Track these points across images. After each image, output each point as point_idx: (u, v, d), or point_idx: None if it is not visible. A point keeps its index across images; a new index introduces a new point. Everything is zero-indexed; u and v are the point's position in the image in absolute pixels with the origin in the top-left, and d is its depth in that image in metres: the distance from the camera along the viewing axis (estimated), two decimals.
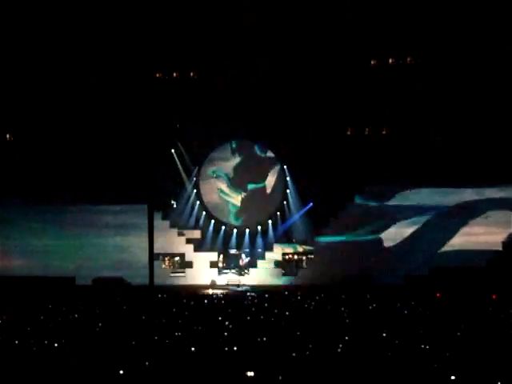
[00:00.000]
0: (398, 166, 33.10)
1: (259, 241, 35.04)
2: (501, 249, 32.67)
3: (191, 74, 33.07)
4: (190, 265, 33.90)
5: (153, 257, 32.46)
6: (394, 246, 33.58)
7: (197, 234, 34.73)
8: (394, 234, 33.64)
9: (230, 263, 34.64)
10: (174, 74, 33.05)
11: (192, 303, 24.79)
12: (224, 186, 35.45)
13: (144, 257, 32.27)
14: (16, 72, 31.57)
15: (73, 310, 22.70)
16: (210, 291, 30.72)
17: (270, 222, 35.16)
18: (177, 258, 34.19)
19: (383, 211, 33.75)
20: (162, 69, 32.89)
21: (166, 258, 34.08)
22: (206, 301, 25.66)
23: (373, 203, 33.92)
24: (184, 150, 34.85)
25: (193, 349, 14.93)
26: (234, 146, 35.26)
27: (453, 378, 12.17)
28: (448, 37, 30.48)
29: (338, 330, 17.70)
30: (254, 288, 31.72)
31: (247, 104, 33.12)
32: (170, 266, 34.10)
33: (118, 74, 32.04)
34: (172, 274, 33.74)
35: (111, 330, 18.09)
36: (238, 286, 32.71)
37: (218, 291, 30.58)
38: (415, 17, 30.32)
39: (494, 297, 27.61)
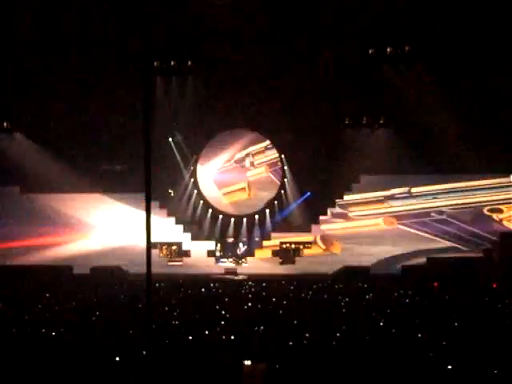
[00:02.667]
0: (395, 156, 33.08)
1: (256, 230, 35.06)
2: (497, 239, 32.72)
3: (188, 63, 32.97)
4: (187, 254, 34.03)
5: (150, 245, 32.43)
6: None
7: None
8: None
9: (228, 252, 34.69)
10: (172, 63, 32.96)
11: (189, 292, 24.82)
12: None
13: (141, 245, 32.32)
14: (12, 56, 31.41)
15: (70, 298, 22.71)
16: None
17: (267, 211, 35.17)
18: (174, 247, 34.26)
19: None
20: (160, 58, 32.79)
21: (164, 247, 34.13)
22: (203, 289, 25.69)
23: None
24: (182, 138, 34.80)
25: (190, 338, 14.95)
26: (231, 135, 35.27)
27: (449, 367, 12.19)
28: (447, 26, 30.38)
29: (335, 319, 17.72)
30: (251, 277, 31.76)
31: (245, 93, 33.04)
32: (167, 254, 34.15)
33: (115, 62, 31.92)
34: (169, 263, 33.81)
35: (108, 318, 18.10)
36: (236, 274, 32.79)
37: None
38: (414, 5, 30.21)
39: (494, 285, 27.69)
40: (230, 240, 34.93)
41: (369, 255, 33.23)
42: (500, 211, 33.47)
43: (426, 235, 33.56)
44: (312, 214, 34.62)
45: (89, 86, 32.41)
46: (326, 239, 34.16)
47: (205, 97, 33.40)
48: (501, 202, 33.45)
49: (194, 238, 34.51)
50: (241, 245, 34.69)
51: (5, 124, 33.53)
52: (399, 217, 33.93)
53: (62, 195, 33.68)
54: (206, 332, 15.64)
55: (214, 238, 34.86)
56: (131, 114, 31.61)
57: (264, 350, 13.64)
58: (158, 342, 14.38)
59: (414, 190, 33.78)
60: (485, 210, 33.51)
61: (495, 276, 29.28)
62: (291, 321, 17.34)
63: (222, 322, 17.13)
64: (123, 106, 32.37)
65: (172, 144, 34.70)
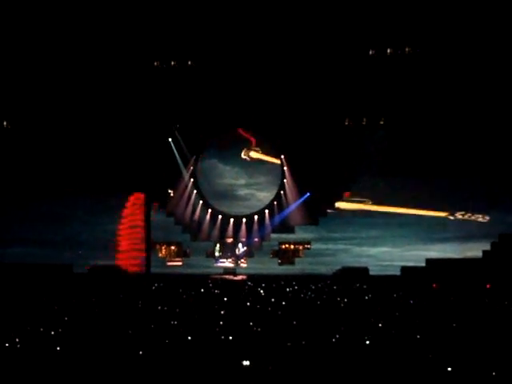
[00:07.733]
0: (394, 156, 33.08)
1: (256, 230, 35.04)
2: (497, 240, 32.70)
3: (189, 63, 32.99)
4: (186, 254, 34.04)
5: (150, 245, 32.52)
6: None
7: None
8: None
9: (227, 252, 34.70)
10: (172, 63, 32.97)
11: (188, 292, 24.81)
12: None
13: (141, 245, 32.31)
14: (13, 58, 31.42)
15: (70, 297, 22.71)
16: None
17: (266, 211, 35.14)
18: (173, 247, 34.26)
19: None
20: (160, 57, 32.80)
21: (163, 247, 34.15)
22: (202, 289, 25.69)
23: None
24: (181, 138, 34.79)
25: (189, 338, 14.94)
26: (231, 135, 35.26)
27: (449, 369, 12.18)
28: (446, 27, 30.40)
29: (333, 320, 17.71)
30: (250, 277, 31.78)
31: (244, 93, 33.05)
32: (166, 254, 34.17)
33: (116, 62, 31.94)
34: (169, 263, 33.82)
35: (107, 318, 18.09)
36: (235, 275, 32.81)
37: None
38: (414, 7, 30.23)
39: (488, 286, 27.69)
40: (229, 240, 34.93)
41: (368, 256, 33.24)
42: None
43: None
44: (311, 214, 34.61)
45: (89, 86, 32.41)
46: None
47: (204, 96, 33.35)
48: None
49: (193, 238, 34.51)
50: (240, 245, 34.68)
51: (4, 123, 33.53)
52: None
53: (63, 195, 33.58)
54: (205, 332, 15.63)
55: (213, 238, 34.85)
56: (131, 114, 31.70)
57: (262, 350, 13.63)
58: (157, 342, 14.39)
59: None
60: None
61: (494, 277, 29.27)
62: (290, 321, 17.33)
63: (221, 322, 17.13)
64: (123, 106, 32.39)
65: (171, 144, 34.66)
